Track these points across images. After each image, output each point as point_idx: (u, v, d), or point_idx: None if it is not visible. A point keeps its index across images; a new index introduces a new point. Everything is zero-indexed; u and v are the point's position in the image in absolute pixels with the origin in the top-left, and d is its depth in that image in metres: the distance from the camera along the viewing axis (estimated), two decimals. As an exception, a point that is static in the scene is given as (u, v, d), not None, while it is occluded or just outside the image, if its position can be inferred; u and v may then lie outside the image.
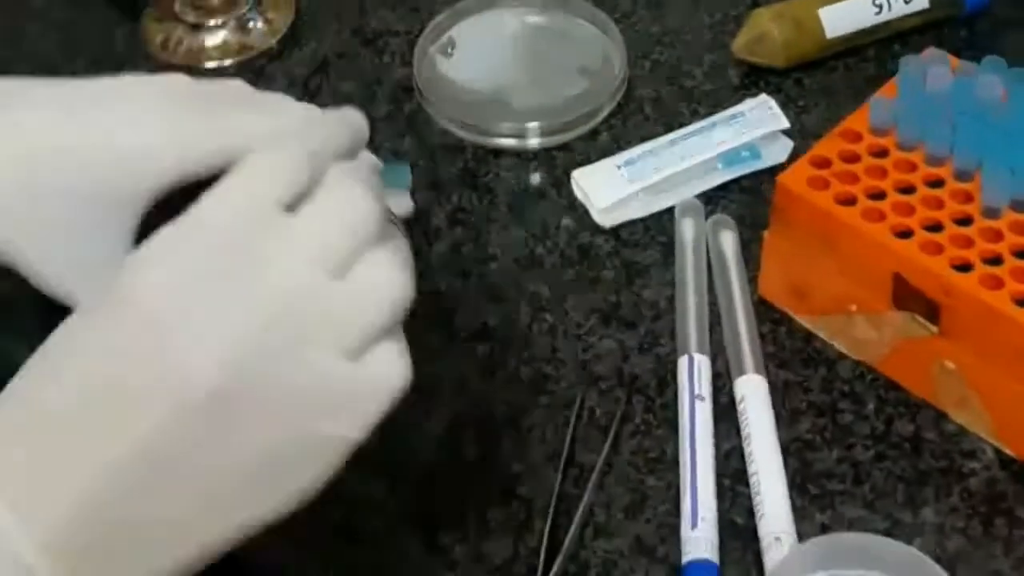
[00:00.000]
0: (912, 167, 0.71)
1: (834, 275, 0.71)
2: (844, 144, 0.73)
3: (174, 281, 0.47)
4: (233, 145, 0.51)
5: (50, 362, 0.47)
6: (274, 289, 0.47)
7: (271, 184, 0.49)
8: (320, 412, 0.48)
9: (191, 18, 0.92)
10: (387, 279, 0.49)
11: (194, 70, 0.90)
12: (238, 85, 0.55)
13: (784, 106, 0.85)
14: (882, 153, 0.72)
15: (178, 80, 0.54)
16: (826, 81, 0.87)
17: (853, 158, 0.72)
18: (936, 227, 0.69)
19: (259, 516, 0.49)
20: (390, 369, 0.49)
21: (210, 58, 0.91)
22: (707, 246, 0.78)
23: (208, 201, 0.48)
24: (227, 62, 0.91)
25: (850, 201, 0.70)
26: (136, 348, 0.46)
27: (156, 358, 0.46)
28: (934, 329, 0.68)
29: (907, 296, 0.69)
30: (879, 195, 0.70)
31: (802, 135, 0.84)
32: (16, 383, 0.47)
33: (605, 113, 0.85)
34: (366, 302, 0.48)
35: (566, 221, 0.80)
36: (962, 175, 0.70)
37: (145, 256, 0.48)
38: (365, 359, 0.49)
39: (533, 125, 0.83)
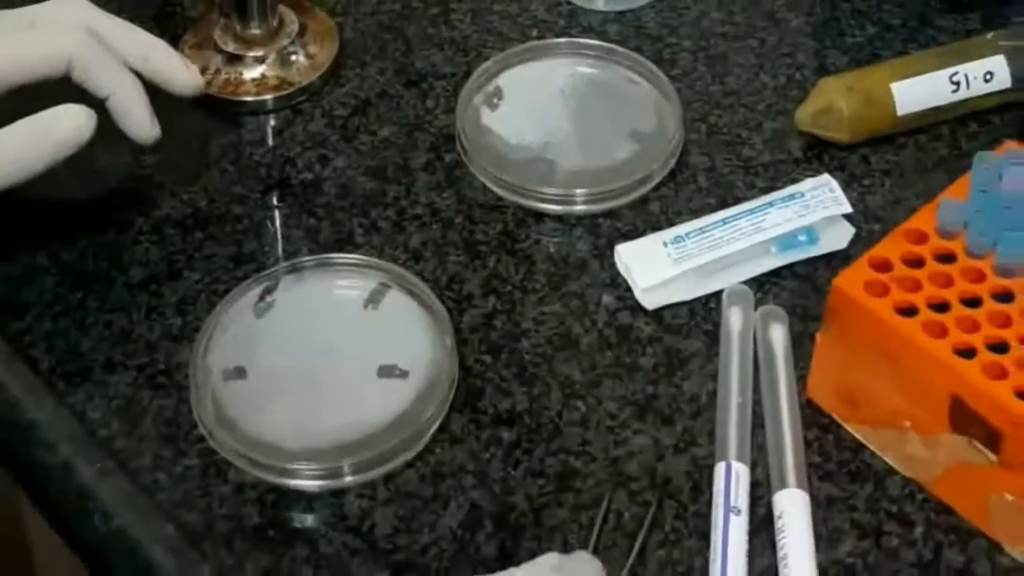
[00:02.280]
0: (980, 277, 0.67)
1: (889, 388, 0.67)
2: (908, 245, 0.68)
3: None
4: None
5: None
6: None
7: None
8: None
9: (231, 48, 0.88)
10: None
11: (230, 103, 0.86)
12: None
13: (847, 185, 0.80)
14: (949, 258, 0.67)
15: None
16: (894, 160, 0.82)
17: (917, 262, 0.67)
18: (1002, 347, 0.64)
19: None
20: None
21: (248, 92, 0.86)
22: (755, 338, 0.73)
23: None
24: (265, 97, 0.86)
25: (911, 311, 0.65)
26: None
27: None
28: (993, 458, 0.64)
29: (966, 420, 0.64)
30: (942, 306, 0.65)
31: (864, 218, 0.79)
32: None
33: (656, 181, 0.80)
34: None
35: (607, 299, 0.76)
36: (1034, 290, 0.65)
37: None
38: None
39: (580, 191, 0.79)
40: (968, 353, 0.64)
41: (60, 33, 0.74)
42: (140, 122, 0.75)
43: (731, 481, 0.67)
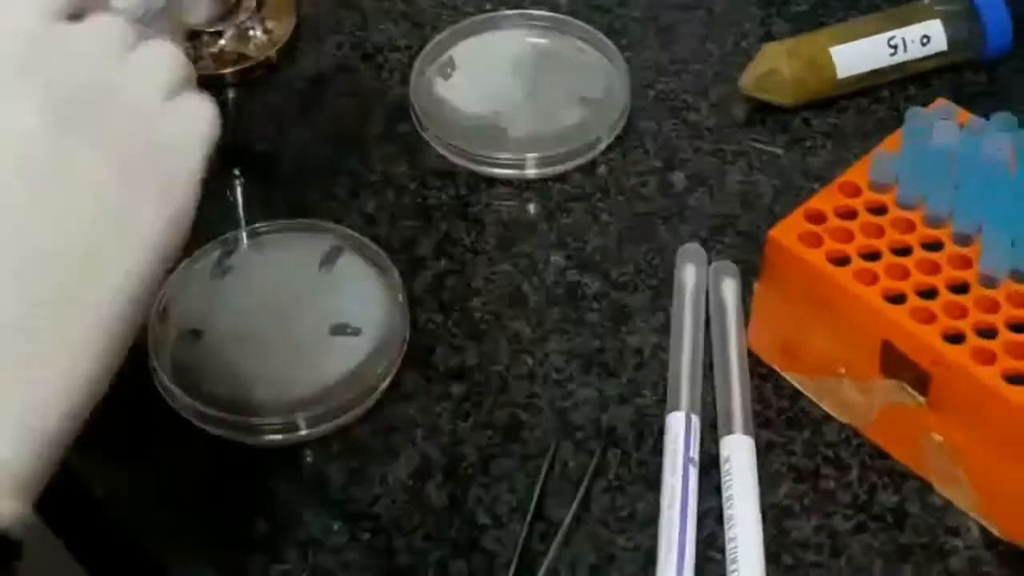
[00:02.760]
0: (910, 227, 0.69)
1: (823, 336, 0.69)
2: (842, 198, 0.70)
3: None
4: None
5: None
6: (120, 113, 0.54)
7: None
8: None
9: (189, 23, 0.89)
10: (204, 108, 0.57)
11: (189, 78, 0.88)
12: None
13: (789, 146, 0.82)
14: (880, 210, 0.69)
15: None
16: (835, 122, 0.84)
17: (850, 214, 0.69)
18: (931, 293, 0.66)
19: (124, 268, 0.52)
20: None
21: (206, 68, 0.88)
22: (707, 294, 0.75)
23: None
24: (224, 71, 0.88)
25: (843, 260, 0.67)
26: None
27: None
28: (922, 400, 0.66)
29: (896, 364, 0.66)
30: (874, 255, 0.67)
31: (806, 178, 0.81)
32: None
33: (604, 145, 0.82)
34: (191, 126, 0.56)
35: (555, 258, 0.78)
36: (961, 239, 0.68)
37: None
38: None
39: (531, 155, 0.81)
40: (898, 299, 0.66)
41: None
42: None
43: (691, 432, 0.69)
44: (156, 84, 0.55)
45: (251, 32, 0.90)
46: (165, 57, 0.57)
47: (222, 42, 0.89)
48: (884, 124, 0.84)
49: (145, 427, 0.70)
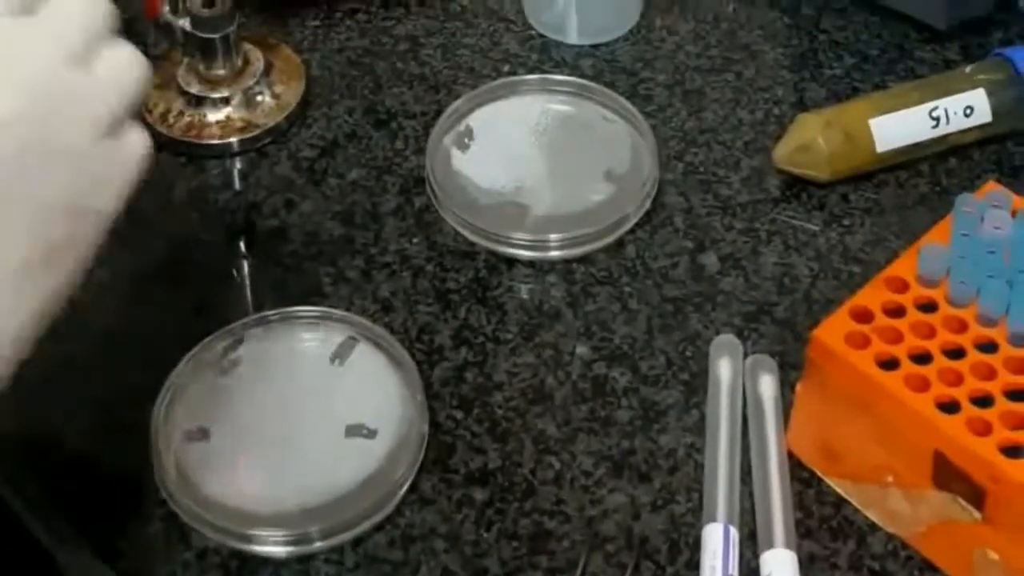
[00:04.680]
0: (963, 326, 0.65)
1: (870, 442, 0.65)
2: (889, 294, 0.66)
3: None
4: None
5: None
6: (20, 84, 0.51)
7: None
8: (80, 191, 0.52)
9: (194, 89, 0.85)
10: (127, 64, 0.54)
11: (193, 146, 0.84)
12: None
13: (827, 225, 0.78)
14: (930, 307, 0.65)
15: None
16: (874, 198, 0.80)
17: (898, 311, 0.65)
18: (986, 401, 0.62)
19: (45, 297, 0.52)
20: (137, 142, 0.54)
21: (212, 135, 0.84)
22: (743, 388, 0.71)
23: None
24: (230, 140, 0.84)
25: (892, 363, 0.63)
26: None
27: None
28: (977, 515, 0.62)
29: (949, 476, 0.62)
30: (924, 358, 0.63)
31: (844, 260, 0.77)
32: None
33: (631, 223, 0.78)
34: (110, 86, 0.54)
35: (581, 349, 0.73)
36: (1018, 340, 0.64)
37: None
38: (115, 139, 0.53)
39: (554, 236, 0.76)
40: (951, 407, 0.62)
41: None
42: None
43: (730, 547, 0.65)
44: (103, 112, 0.53)
45: (259, 97, 0.86)
46: (124, 72, 0.54)
47: (228, 108, 0.85)
48: (926, 200, 0.80)
49: (144, 531, 0.66)
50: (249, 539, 0.66)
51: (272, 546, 0.66)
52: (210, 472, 0.68)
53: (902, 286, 0.66)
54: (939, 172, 0.81)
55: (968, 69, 0.81)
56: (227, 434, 0.70)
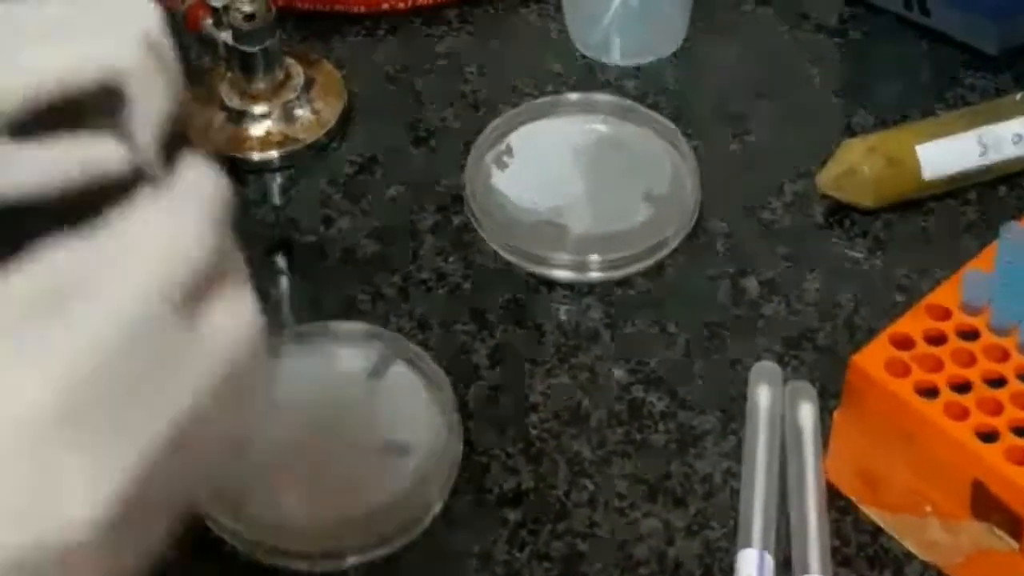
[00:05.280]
0: (1004, 355, 0.64)
1: (908, 471, 0.64)
2: (930, 321, 0.65)
3: None
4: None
5: None
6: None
7: None
8: None
9: (235, 104, 0.85)
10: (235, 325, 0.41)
11: (233, 161, 0.83)
12: None
13: (871, 251, 0.77)
14: (972, 335, 0.64)
15: None
16: (920, 225, 0.79)
17: (939, 339, 0.64)
18: (1026, 430, 0.61)
19: None
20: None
21: (252, 149, 0.84)
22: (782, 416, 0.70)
23: None
24: (269, 154, 0.84)
25: (932, 391, 0.62)
26: None
27: None
28: (1015, 545, 0.61)
29: (988, 506, 0.61)
30: (964, 387, 0.62)
31: (889, 286, 0.76)
32: None
33: (672, 247, 0.78)
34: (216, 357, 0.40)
35: (618, 372, 0.73)
36: (1061, 371, 0.62)
37: None
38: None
39: (593, 257, 0.76)
40: (991, 436, 0.61)
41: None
42: None
43: (764, 572, 0.64)
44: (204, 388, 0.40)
45: (298, 112, 0.85)
46: (230, 340, 0.41)
47: (268, 123, 0.85)
48: (973, 228, 0.78)
49: (174, 543, 0.66)
50: (279, 554, 0.65)
51: (303, 561, 0.65)
52: (243, 486, 0.68)
53: (944, 314, 0.65)
54: (987, 200, 0.80)
55: (1019, 97, 0.80)
56: (261, 448, 0.69)
